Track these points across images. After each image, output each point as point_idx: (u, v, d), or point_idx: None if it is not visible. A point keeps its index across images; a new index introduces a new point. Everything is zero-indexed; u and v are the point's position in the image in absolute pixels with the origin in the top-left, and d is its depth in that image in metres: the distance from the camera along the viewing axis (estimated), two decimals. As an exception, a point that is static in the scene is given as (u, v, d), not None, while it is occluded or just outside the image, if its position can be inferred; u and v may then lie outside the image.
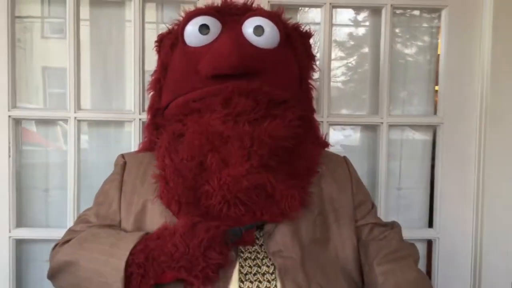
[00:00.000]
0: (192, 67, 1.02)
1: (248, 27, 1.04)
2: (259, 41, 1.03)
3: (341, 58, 1.72)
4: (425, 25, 1.71)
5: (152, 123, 1.12)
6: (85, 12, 1.57)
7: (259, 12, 1.08)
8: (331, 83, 1.60)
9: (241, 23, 1.05)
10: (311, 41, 1.18)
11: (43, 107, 1.62)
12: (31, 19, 1.61)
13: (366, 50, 1.72)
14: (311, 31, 1.18)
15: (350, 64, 1.73)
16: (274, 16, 1.07)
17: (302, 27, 1.17)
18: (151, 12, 1.60)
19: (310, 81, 1.17)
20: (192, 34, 1.04)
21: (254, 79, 0.98)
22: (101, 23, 1.61)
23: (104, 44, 1.62)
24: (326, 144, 1.19)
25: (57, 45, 1.62)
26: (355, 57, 1.73)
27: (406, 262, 1.03)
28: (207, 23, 1.03)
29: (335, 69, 1.70)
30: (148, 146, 1.11)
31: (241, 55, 0.96)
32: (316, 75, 1.22)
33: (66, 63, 1.50)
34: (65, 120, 1.52)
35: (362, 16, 1.71)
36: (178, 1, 1.55)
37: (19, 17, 1.57)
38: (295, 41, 1.11)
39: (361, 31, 1.73)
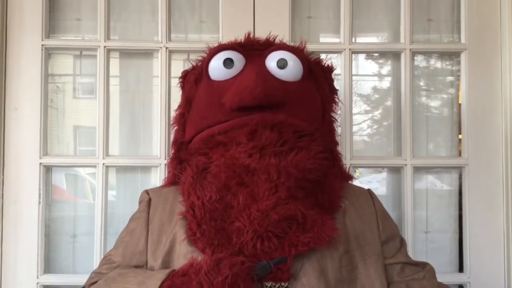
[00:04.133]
0: (216, 100, 1.03)
1: (271, 61, 1.05)
2: (283, 74, 1.04)
3: (366, 112, 1.73)
4: (446, 73, 1.73)
5: (176, 157, 1.13)
6: (114, 65, 1.65)
7: (282, 46, 1.10)
8: (357, 137, 1.63)
9: (264, 57, 1.07)
10: (333, 75, 1.19)
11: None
12: (64, 78, 1.69)
13: (389, 103, 1.72)
14: (333, 66, 1.19)
15: (375, 117, 1.74)
16: (297, 50, 1.09)
17: (324, 61, 1.18)
18: (177, 65, 1.65)
19: (332, 113, 1.18)
20: (216, 68, 1.05)
21: (279, 111, 0.99)
22: (130, 75, 1.68)
23: (132, 93, 1.68)
24: (350, 177, 1.17)
25: (88, 105, 1.68)
26: (380, 110, 1.74)
27: None
28: (231, 57, 1.05)
29: (361, 122, 1.72)
30: (172, 180, 1.10)
31: (265, 87, 0.97)
32: (338, 109, 1.23)
33: (95, 123, 1.56)
34: (94, 167, 1.56)
35: (386, 70, 1.73)
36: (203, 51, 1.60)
37: (51, 75, 1.65)
38: (318, 74, 1.12)
39: (385, 84, 1.74)
